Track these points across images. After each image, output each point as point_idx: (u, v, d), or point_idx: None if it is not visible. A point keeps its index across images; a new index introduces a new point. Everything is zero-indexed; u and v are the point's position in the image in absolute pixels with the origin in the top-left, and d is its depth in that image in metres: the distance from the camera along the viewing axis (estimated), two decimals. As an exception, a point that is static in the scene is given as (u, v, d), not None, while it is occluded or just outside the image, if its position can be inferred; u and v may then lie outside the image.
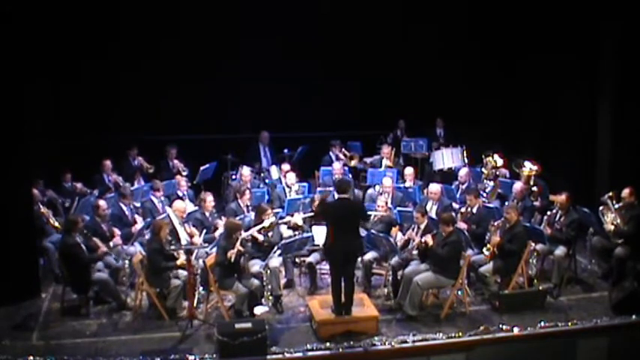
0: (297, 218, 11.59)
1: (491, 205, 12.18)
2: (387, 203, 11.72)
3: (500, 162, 13.50)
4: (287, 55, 15.23)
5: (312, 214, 11.47)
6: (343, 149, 15.55)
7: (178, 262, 10.14)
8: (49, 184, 12.90)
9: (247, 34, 15.12)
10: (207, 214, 11.66)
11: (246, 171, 13.57)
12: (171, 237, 10.67)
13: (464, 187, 13.06)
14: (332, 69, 15.62)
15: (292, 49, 15.21)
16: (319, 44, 15.49)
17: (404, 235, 10.99)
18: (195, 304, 9.90)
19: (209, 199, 11.76)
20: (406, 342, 9.35)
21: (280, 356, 9.05)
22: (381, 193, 12.59)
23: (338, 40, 15.54)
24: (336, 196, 9.94)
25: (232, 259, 9.69)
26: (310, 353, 9.14)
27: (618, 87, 13.13)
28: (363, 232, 10.17)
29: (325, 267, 10.99)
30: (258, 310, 9.78)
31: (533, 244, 10.70)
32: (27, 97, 11.06)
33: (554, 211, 11.36)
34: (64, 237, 10.35)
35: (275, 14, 14.96)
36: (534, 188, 12.51)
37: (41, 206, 11.70)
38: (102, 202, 11.34)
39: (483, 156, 13.67)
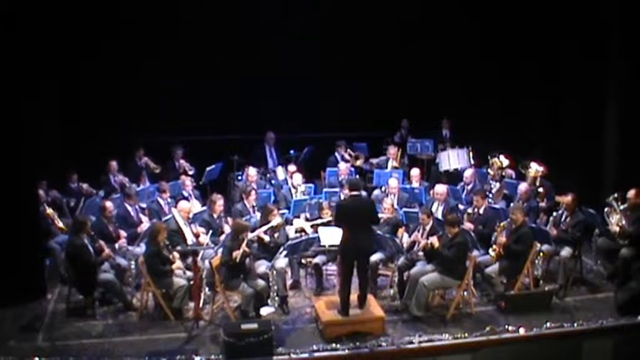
0: (305, 225, 11.58)
1: (497, 206, 12.18)
2: (392, 205, 11.72)
3: (506, 163, 13.48)
4: (292, 55, 15.23)
5: (320, 220, 11.45)
6: (349, 150, 15.56)
7: (173, 267, 10.16)
8: (55, 184, 12.90)
9: (252, 34, 15.13)
10: (215, 216, 11.65)
11: (252, 171, 13.58)
12: (177, 238, 10.70)
13: (469, 187, 13.08)
14: (338, 69, 15.63)
15: (298, 50, 15.23)
16: (324, 45, 15.50)
17: (410, 236, 10.99)
18: (201, 305, 9.90)
19: (219, 202, 11.74)
20: (412, 343, 9.35)
21: (286, 357, 9.05)
22: (387, 194, 12.60)
23: (343, 41, 15.54)
24: (348, 193, 9.93)
25: (237, 260, 9.70)
26: (316, 354, 9.13)
27: (625, 88, 13.08)
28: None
29: (331, 268, 11.01)
30: (264, 311, 9.81)
31: (539, 245, 10.68)
32: (32, 98, 11.06)
33: (560, 212, 11.35)
34: (71, 238, 10.35)
35: (281, 14, 15.02)
36: (540, 189, 12.51)
37: (47, 207, 11.71)
38: (108, 204, 11.38)
39: (489, 157, 13.66)
